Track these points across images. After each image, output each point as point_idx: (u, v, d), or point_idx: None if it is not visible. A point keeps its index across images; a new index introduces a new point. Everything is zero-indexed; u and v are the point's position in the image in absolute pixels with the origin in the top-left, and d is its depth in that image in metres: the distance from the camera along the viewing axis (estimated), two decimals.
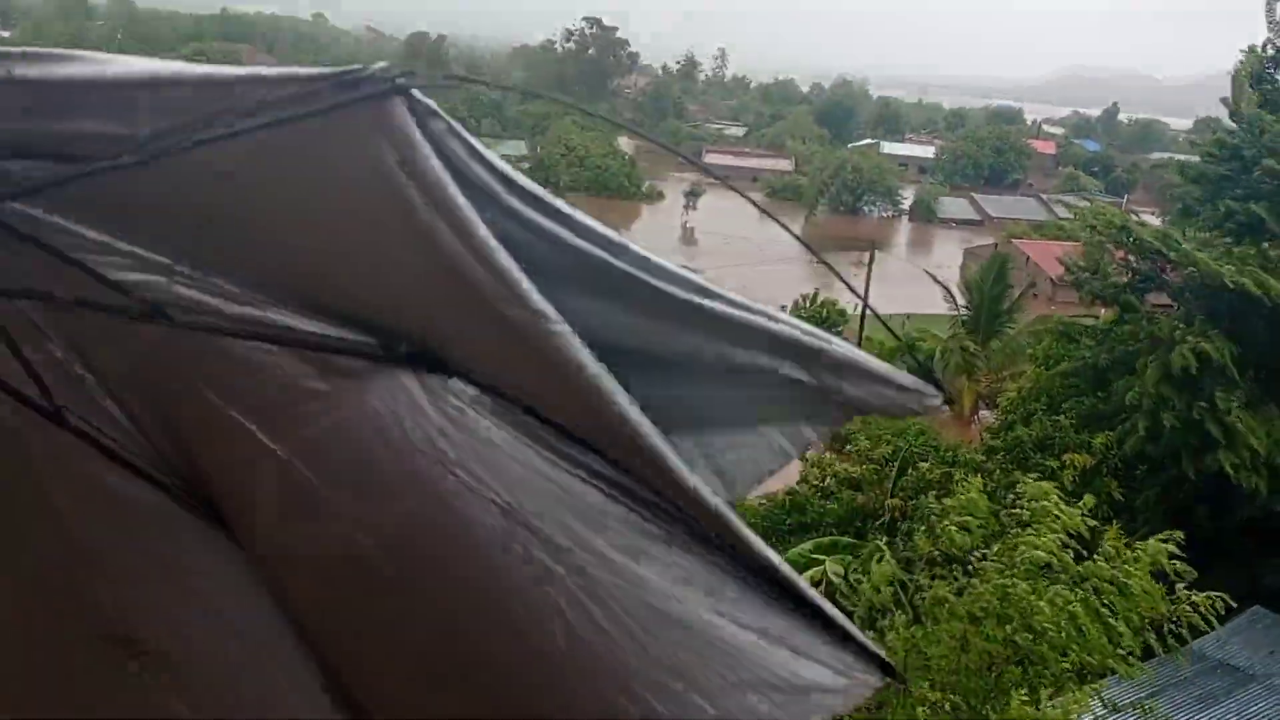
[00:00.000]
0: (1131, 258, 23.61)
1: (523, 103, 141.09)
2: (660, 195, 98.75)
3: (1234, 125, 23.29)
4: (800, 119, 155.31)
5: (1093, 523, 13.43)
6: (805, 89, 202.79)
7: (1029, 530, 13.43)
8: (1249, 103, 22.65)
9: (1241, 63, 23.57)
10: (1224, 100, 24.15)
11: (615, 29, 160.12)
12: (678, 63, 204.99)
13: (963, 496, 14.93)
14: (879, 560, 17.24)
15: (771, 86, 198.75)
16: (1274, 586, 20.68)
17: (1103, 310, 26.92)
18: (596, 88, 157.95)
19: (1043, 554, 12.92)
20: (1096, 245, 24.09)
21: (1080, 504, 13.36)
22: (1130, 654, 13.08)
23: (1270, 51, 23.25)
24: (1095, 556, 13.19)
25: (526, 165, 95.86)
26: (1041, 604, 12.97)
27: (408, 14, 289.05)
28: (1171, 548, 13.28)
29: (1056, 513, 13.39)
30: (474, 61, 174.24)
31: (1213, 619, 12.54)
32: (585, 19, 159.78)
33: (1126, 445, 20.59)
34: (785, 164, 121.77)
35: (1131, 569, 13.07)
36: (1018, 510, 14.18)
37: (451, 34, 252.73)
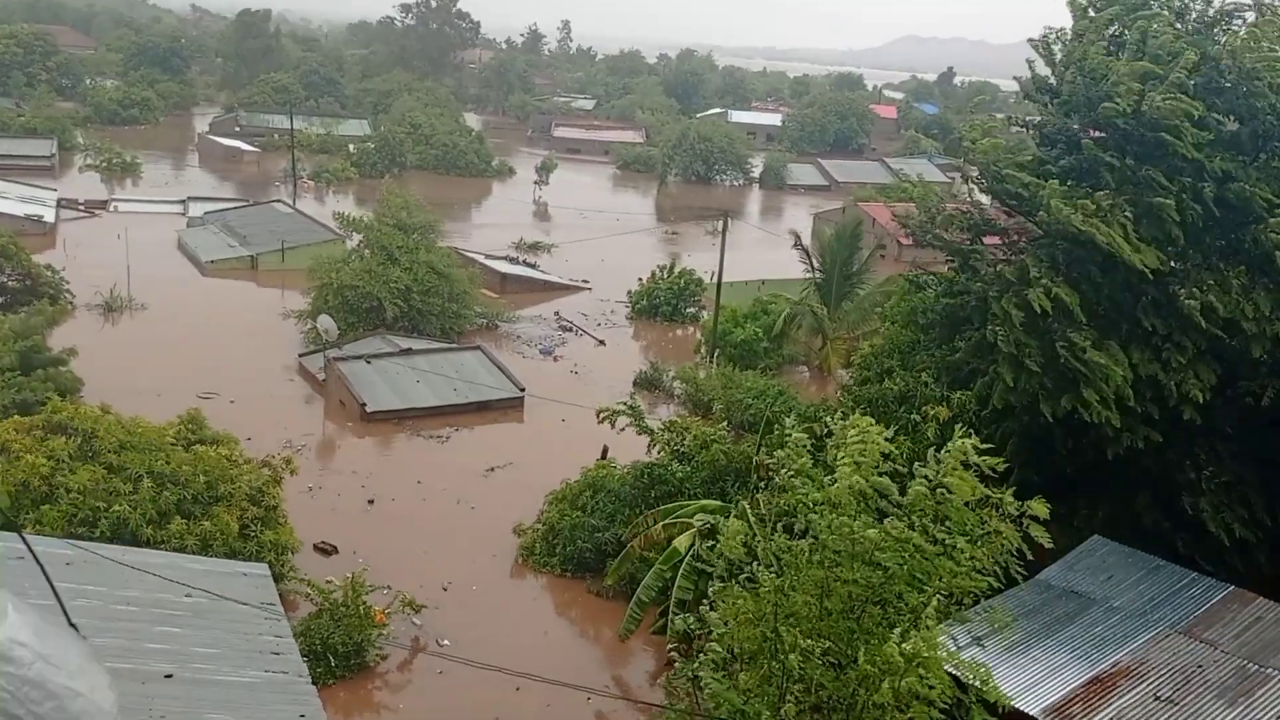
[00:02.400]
0: (975, 210, 24.46)
1: (363, 79, 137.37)
2: (511, 171, 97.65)
3: (1053, 81, 24.37)
4: (648, 90, 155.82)
5: (890, 445, 13.91)
6: (651, 60, 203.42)
7: (851, 462, 13.84)
8: (1078, 56, 23.68)
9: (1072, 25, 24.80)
10: (1031, 61, 25.17)
11: (455, 1, 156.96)
12: (522, 35, 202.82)
13: (791, 443, 15.28)
14: (736, 519, 17.60)
15: (618, 58, 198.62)
16: (1126, 517, 22.00)
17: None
18: (439, 62, 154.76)
19: (846, 484, 13.36)
20: (931, 194, 24.82)
21: (876, 429, 13.83)
22: (974, 570, 13.74)
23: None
24: (914, 480, 13.73)
25: (370, 144, 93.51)
26: (875, 534, 13.43)
27: None
28: (975, 443, 13.93)
29: (864, 441, 13.78)
30: (308, 38, 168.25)
31: (1044, 536, 13.26)
32: None
33: (993, 397, 21.30)
34: (636, 135, 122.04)
35: (951, 480, 13.62)
36: (840, 455, 14.60)
37: (284, 10, 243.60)
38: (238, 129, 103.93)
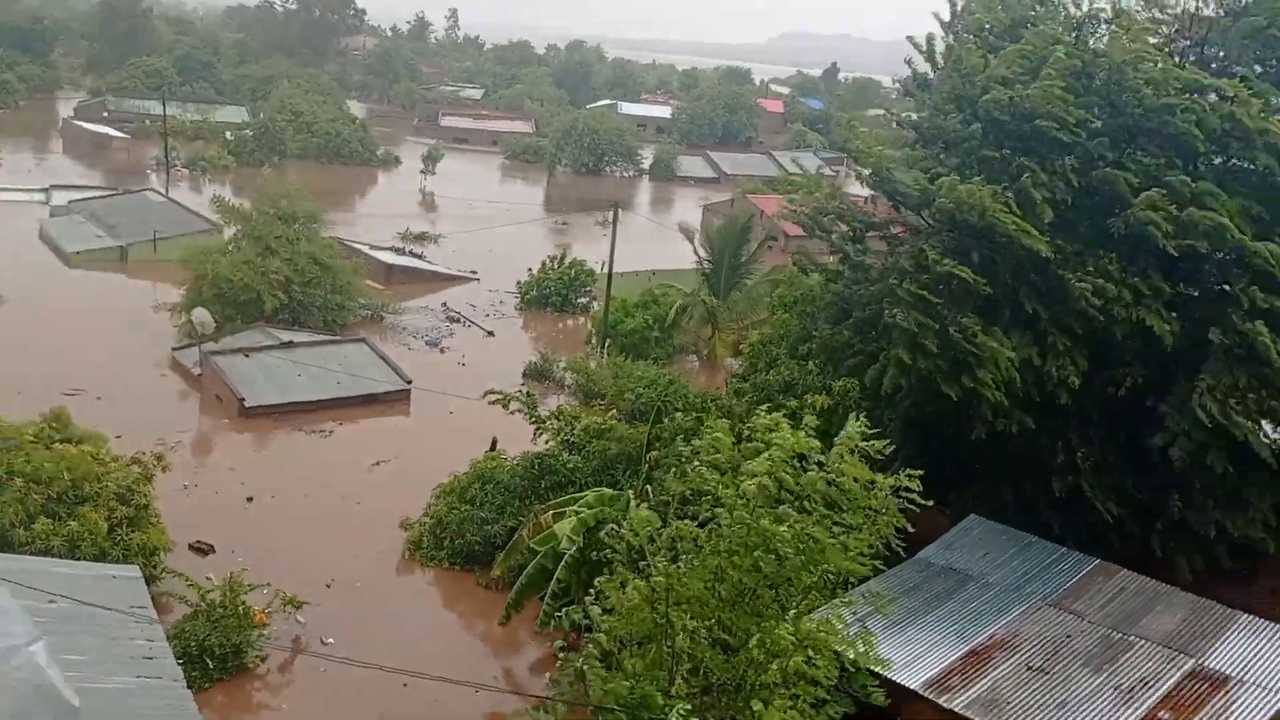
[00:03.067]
0: (859, 207, 24.99)
1: (240, 65, 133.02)
2: (397, 160, 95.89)
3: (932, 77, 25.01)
4: (538, 80, 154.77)
5: (815, 444, 14.25)
6: (540, 50, 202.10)
7: (756, 460, 14.12)
8: (960, 54, 24.38)
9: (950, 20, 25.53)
10: (909, 60, 25.85)
11: None
12: (408, 23, 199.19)
13: (709, 437, 15.51)
14: (637, 506, 17.66)
15: (506, 48, 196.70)
16: (1001, 498, 22.73)
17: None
18: (321, 49, 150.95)
19: (756, 480, 13.62)
20: (822, 193, 25.24)
21: (802, 428, 14.15)
22: (863, 555, 14.10)
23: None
24: (810, 468, 14.06)
25: (249, 132, 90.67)
26: (782, 529, 13.71)
27: None
28: (863, 429, 14.35)
29: (781, 439, 14.12)
30: (182, 21, 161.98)
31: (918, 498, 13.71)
32: None
33: (885, 381, 21.66)
34: (525, 125, 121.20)
35: (844, 465, 14.03)
36: (753, 443, 14.88)
37: None
38: (106, 114, 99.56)
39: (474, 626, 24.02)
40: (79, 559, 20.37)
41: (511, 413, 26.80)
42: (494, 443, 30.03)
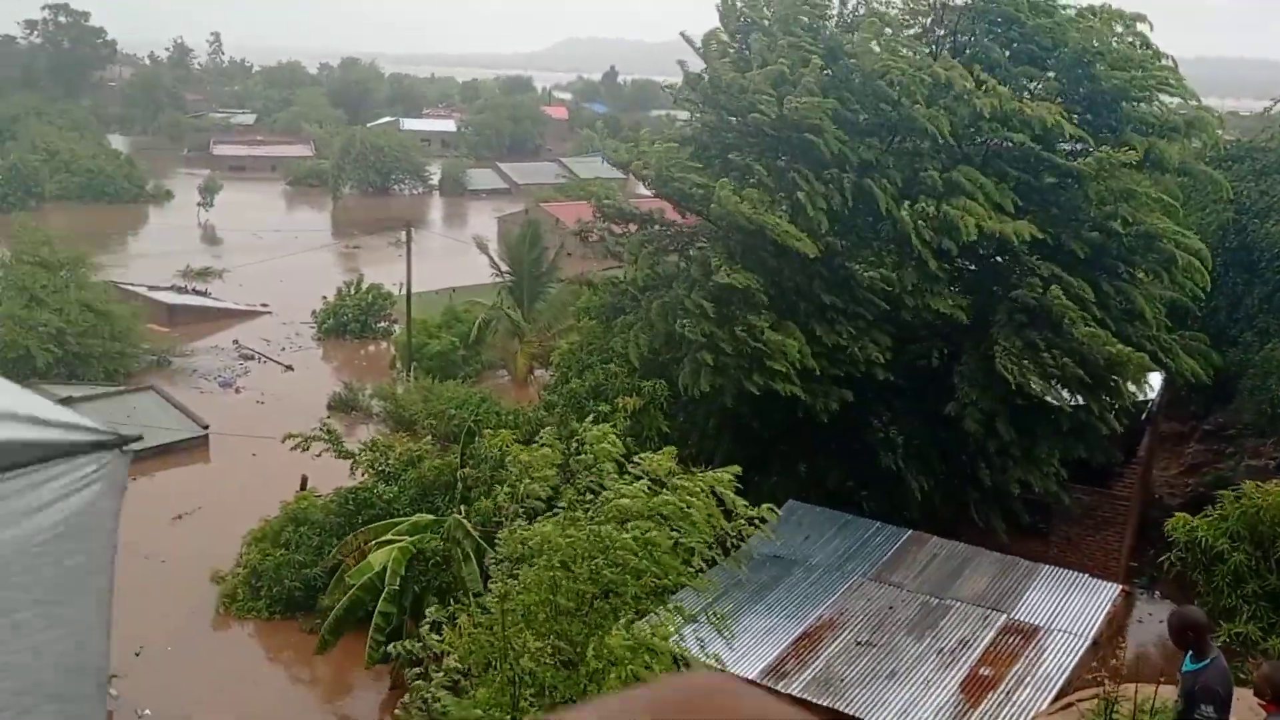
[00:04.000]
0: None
1: None
2: (169, 194, 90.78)
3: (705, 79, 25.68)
4: (313, 101, 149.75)
5: (665, 460, 14.40)
6: (313, 70, 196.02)
7: (594, 471, 14.14)
8: (720, 60, 25.12)
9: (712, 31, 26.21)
10: (682, 62, 26.51)
11: (87, 15, 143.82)
12: (166, 50, 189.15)
13: (538, 452, 15.38)
14: (461, 530, 17.39)
15: (276, 69, 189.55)
16: (816, 481, 23.58)
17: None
18: (75, 82, 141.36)
19: (627, 502, 13.72)
20: (610, 208, 25.50)
21: (663, 453, 14.35)
22: (699, 570, 14.31)
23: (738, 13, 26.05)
24: (664, 490, 14.21)
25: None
26: (627, 538, 13.76)
27: None
28: (729, 477, 14.65)
29: (610, 447, 14.20)
30: None
31: (769, 535, 14.06)
32: (47, 7, 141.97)
33: (700, 381, 22.05)
34: (304, 149, 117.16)
35: (695, 500, 14.24)
36: (583, 456, 14.88)
37: None
38: None
39: (302, 675, 23.06)
40: None
41: (317, 455, 25.88)
42: (304, 481, 28.89)
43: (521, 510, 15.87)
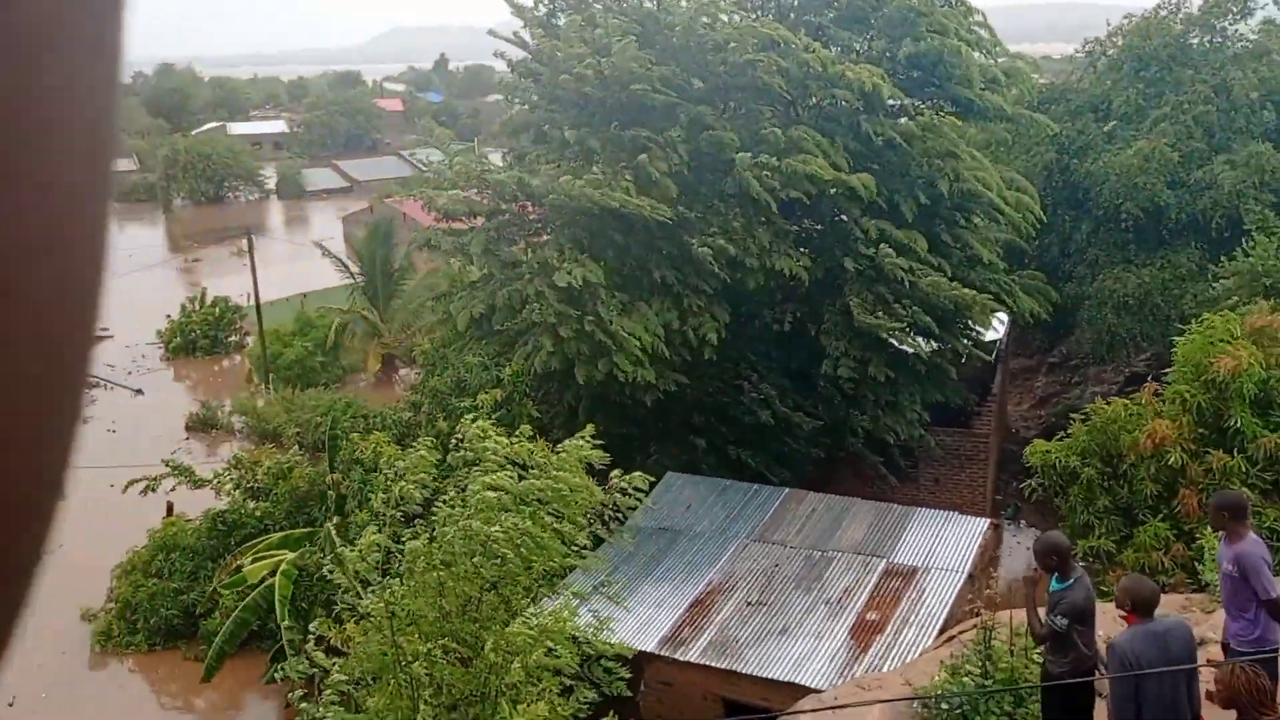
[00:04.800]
0: (490, 203, 25.14)
1: None
2: None
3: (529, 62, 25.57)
4: (130, 112, 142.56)
5: (528, 444, 14.44)
6: (126, 80, 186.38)
7: (476, 470, 14.11)
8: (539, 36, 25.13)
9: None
10: (499, 54, 26.33)
11: None
12: None
13: (414, 455, 15.20)
14: (331, 543, 17.04)
15: None
16: (698, 446, 24.02)
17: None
18: None
19: (492, 494, 13.67)
20: (461, 202, 25.20)
21: (518, 433, 14.28)
22: (582, 548, 14.43)
23: None
24: (530, 471, 14.24)
25: None
26: (496, 531, 13.74)
27: None
28: (587, 442, 14.75)
29: (494, 444, 14.19)
30: None
31: (643, 495, 14.21)
32: None
33: (535, 362, 22.20)
34: (126, 163, 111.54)
35: (564, 474, 14.32)
36: (462, 452, 14.80)
37: None
38: None
39: (192, 704, 22.33)
40: None
41: (172, 489, 24.95)
42: (169, 507, 27.80)
43: (399, 516, 15.72)
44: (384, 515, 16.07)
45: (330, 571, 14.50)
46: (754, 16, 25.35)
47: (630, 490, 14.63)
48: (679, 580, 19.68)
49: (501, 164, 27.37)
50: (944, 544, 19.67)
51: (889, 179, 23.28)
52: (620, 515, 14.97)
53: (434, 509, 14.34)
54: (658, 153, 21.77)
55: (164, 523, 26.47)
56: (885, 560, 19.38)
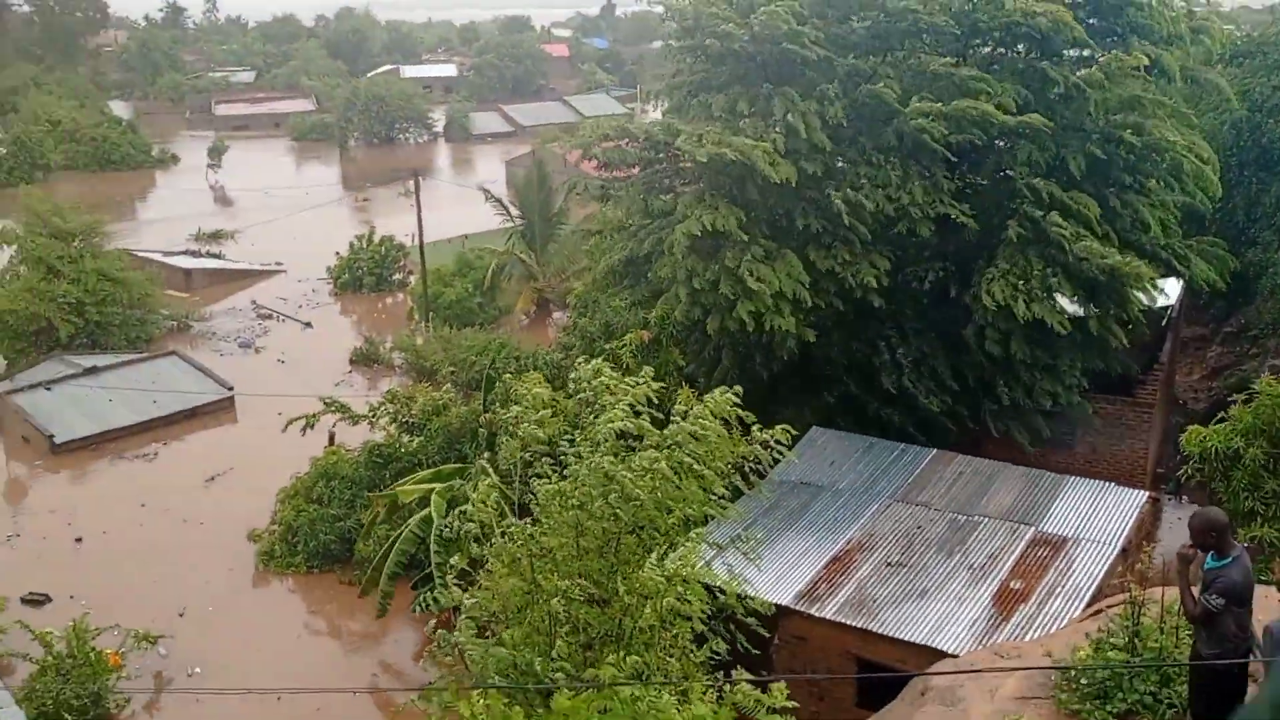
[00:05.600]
0: (642, 152, 25.07)
1: None
2: (174, 159, 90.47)
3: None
4: (311, 54, 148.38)
5: (657, 385, 14.38)
6: (309, 23, 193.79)
7: (601, 410, 14.16)
8: None
9: None
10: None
11: None
12: (160, 11, 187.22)
13: (527, 395, 15.40)
14: (483, 479, 17.46)
15: (272, 24, 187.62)
16: (837, 405, 23.61)
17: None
18: (70, 50, 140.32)
19: (615, 426, 13.68)
20: (614, 151, 25.22)
21: (641, 374, 14.25)
22: (721, 498, 14.36)
23: None
24: (672, 417, 14.22)
25: (2, 149, 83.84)
26: (626, 473, 13.78)
27: None
28: (732, 397, 14.58)
29: (613, 384, 14.18)
30: None
31: (785, 448, 14.00)
32: None
33: (676, 313, 22.20)
34: (306, 103, 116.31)
35: (706, 422, 14.24)
36: (582, 393, 14.88)
37: None
38: None
39: (345, 626, 23.52)
40: None
41: (335, 423, 26.05)
42: (331, 437, 29.17)
43: (529, 456, 15.95)
44: (513, 460, 16.36)
45: (469, 510, 14.87)
46: None
47: (772, 443, 14.43)
48: (819, 536, 19.46)
49: (659, 115, 27.31)
50: (1097, 515, 18.78)
51: (1061, 134, 22.04)
52: (760, 469, 14.82)
53: (561, 446, 14.46)
54: (811, 107, 21.23)
55: (325, 451, 27.79)
56: (1034, 528, 18.66)
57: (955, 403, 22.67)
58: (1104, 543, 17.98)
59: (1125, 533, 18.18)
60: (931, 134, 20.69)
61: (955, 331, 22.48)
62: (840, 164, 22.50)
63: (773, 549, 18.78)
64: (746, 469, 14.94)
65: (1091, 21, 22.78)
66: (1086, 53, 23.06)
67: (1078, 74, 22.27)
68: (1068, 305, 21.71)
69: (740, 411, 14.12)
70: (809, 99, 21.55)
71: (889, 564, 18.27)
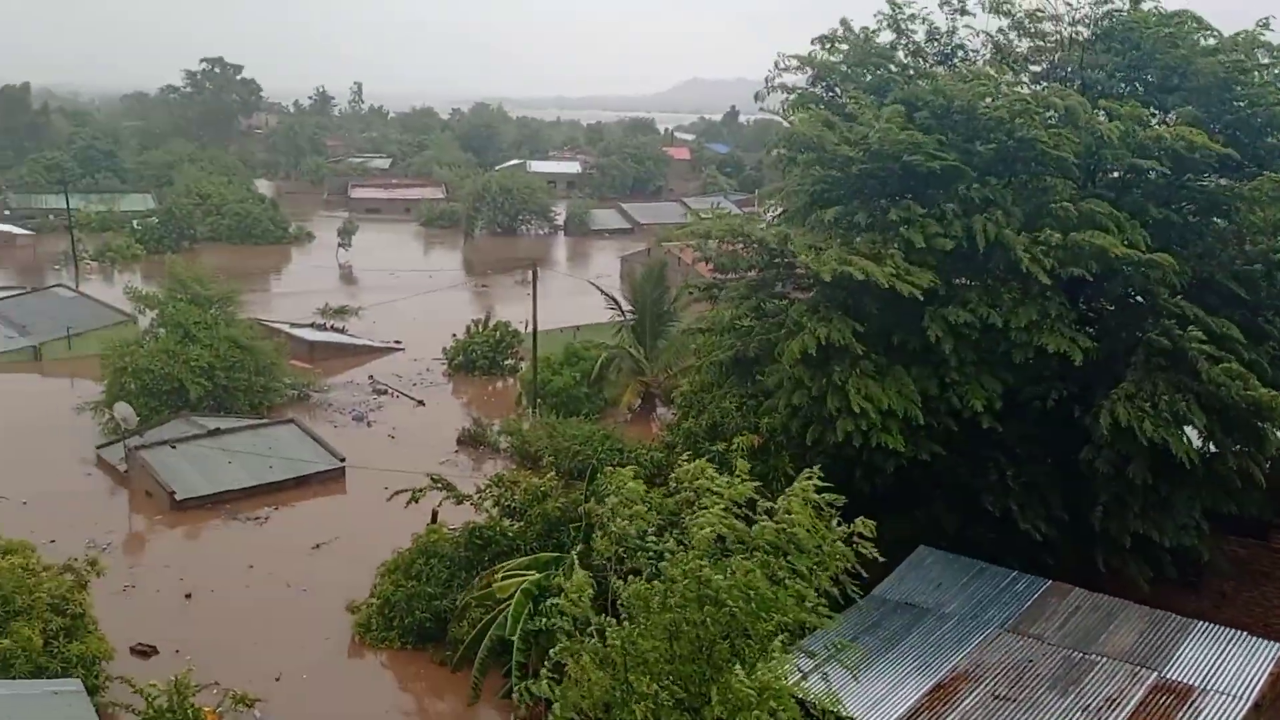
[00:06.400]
0: (756, 257, 25.33)
1: (141, 153, 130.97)
2: (310, 236, 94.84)
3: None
4: (444, 145, 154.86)
5: (754, 485, 14.18)
6: (445, 115, 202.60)
7: (698, 509, 14.04)
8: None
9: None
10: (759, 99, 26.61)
11: (240, 67, 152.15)
12: (310, 98, 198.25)
13: (623, 490, 15.36)
14: (577, 573, 17.44)
15: (410, 115, 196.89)
16: (931, 525, 22.95)
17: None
18: (224, 130, 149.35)
19: (709, 530, 13.53)
20: (728, 255, 25.57)
21: (737, 475, 14.11)
22: (818, 606, 14.01)
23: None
24: (758, 517, 14.00)
25: (155, 219, 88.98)
26: (721, 579, 13.55)
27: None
28: (814, 482, 14.29)
29: (715, 488, 14.06)
30: (79, 112, 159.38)
31: (873, 552, 13.65)
32: (205, 60, 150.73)
33: (772, 422, 22.12)
34: (436, 191, 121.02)
35: (796, 515, 13.95)
36: (682, 492, 14.80)
37: (51, 85, 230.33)
38: (7, 212, 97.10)
39: (433, 705, 23.46)
40: (13, 678, 19.45)
41: (439, 502, 26.42)
42: (434, 515, 29.53)
43: (622, 552, 15.82)
44: (607, 555, 16.25)
45: (560, 604, 14.80)
46: (1041, 86, 24.39)
47: (858, 537, 14.04)
48: (922, 661, 18.79)
49: (774, 220, 27.57)
50: (1227, 665, 17.68)
51: (1197, 260, 21.46)
52: (855, 570, 14.45)
53: (651, 544, 14.35)
54: (931, 224, 21.23)
55: (427, 529, 28.10)
56: (1156, 674, 17.65)
57: (1056, 534, 21.80)
58: (1234, 696, 16.90)
59: (1258, 686, 17.08)
60: (1041, 268, 20.38)
61: (1070, 457, 21.76)
62: (957, 281, 22.32)
63: (871, 670, 18.20)
64: (839, 573, 14.54)
65: (1228, 150, 22.34)
66: (1224, 180, 22.64)
67: (1219, 187, 21.83)
68: (1195, 439, 20.77)
69: (826, 497, 13.89)
70: (928, 217, 21.55)
71: (996, 697, 17.49)
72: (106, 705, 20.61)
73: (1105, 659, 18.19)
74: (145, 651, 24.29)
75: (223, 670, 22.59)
